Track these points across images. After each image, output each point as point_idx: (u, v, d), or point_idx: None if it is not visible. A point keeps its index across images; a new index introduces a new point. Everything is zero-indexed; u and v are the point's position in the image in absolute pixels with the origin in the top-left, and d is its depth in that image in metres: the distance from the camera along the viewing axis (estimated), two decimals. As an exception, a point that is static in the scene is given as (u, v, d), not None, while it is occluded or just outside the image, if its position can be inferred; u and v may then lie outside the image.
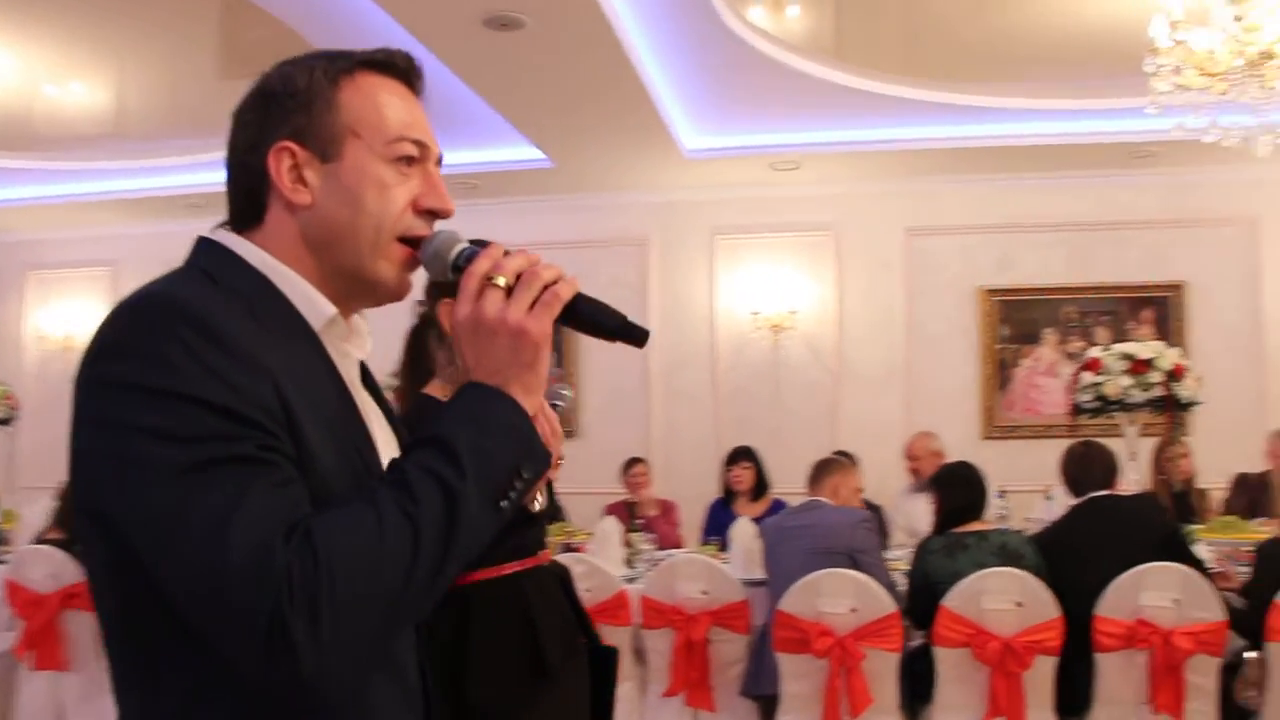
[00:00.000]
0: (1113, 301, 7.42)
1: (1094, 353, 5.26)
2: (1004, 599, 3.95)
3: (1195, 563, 4.03)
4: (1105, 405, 5.08)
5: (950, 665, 4.00)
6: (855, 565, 4.20)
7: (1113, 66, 5.95)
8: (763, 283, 7.60)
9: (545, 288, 1.14)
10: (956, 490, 4.29)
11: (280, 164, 1.18)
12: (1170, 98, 4.54)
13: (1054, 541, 4.16)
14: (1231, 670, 4.02)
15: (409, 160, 1.22)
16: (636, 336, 1.19)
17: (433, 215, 1.24)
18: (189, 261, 1.21)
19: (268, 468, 1.03)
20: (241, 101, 1.24)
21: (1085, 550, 4.00)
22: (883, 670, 4.04)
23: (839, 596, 4.06)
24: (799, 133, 6.95)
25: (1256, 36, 4.26)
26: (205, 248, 1.22)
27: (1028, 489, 6.10)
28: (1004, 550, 4.09)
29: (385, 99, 1.22)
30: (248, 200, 1.22)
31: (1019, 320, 7.49)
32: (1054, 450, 6.48)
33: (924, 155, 7.13)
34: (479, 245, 1.19)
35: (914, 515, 6.15)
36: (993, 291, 7.49)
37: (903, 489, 6.44)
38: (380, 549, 1.01)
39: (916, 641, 4.26)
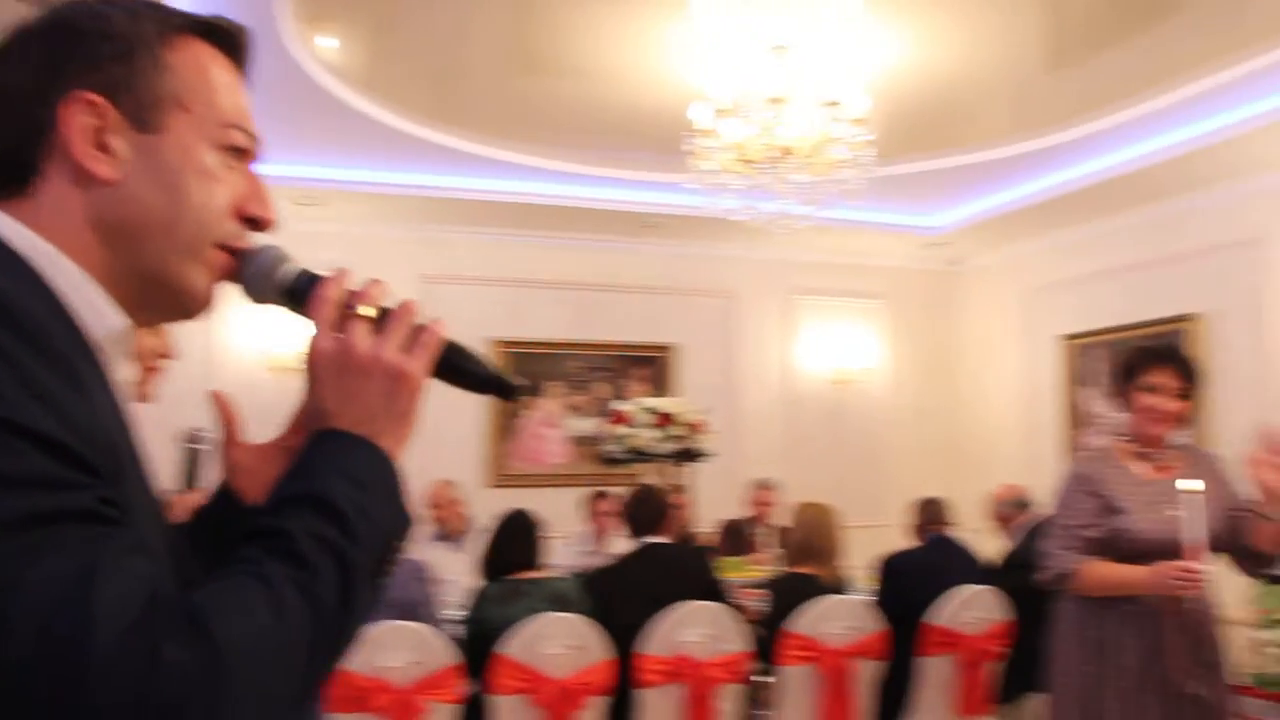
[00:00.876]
0: (611, 359, 7.95)
1: (622, 406, 5.59)
2: (559, 643, 4.04)
3: (729, 603, 4.38)
4: (633, 456, 5.41)
5: (506, 713, 4.00)
6: (410, 617, 4.09)
7: (633, 141, 6.44)
8: (272, 325, 7.22)
9: (419, 326, 1.00)
10: (514, 538, 4.33)
11: (77, 120, 0.91)
12: (707, 178, 4.98)
13: (610, 583, 4.33)
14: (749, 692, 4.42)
15: (239, 153, 1.01)
16: (509, 388, 1.08)
17: (254, 225, 1.03)
18: None
19: (113, 528, 0.78)
20: (15, 31, 0.94)
21: (641, 592, 4.20)
22: (442, 724, 3.95)
23: (399, 650, 3.92)
24: (324, 168, 6.74)
25: (782, 133, 4.80)
26: None
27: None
28: (558, 596, 4.18)
29: (219, 75, 1.00)
30: (6, 159, 0.92)
31: (527, 372, 7.77)
32: (554, 498, 6.84)
33: (445, 204, 7.20)
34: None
35: (435, 564, 6.12)
36: (504, 343, 7.71)
37: (421, 537, 6.38)
38: (283, 637, 0.81)
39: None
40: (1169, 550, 2.99)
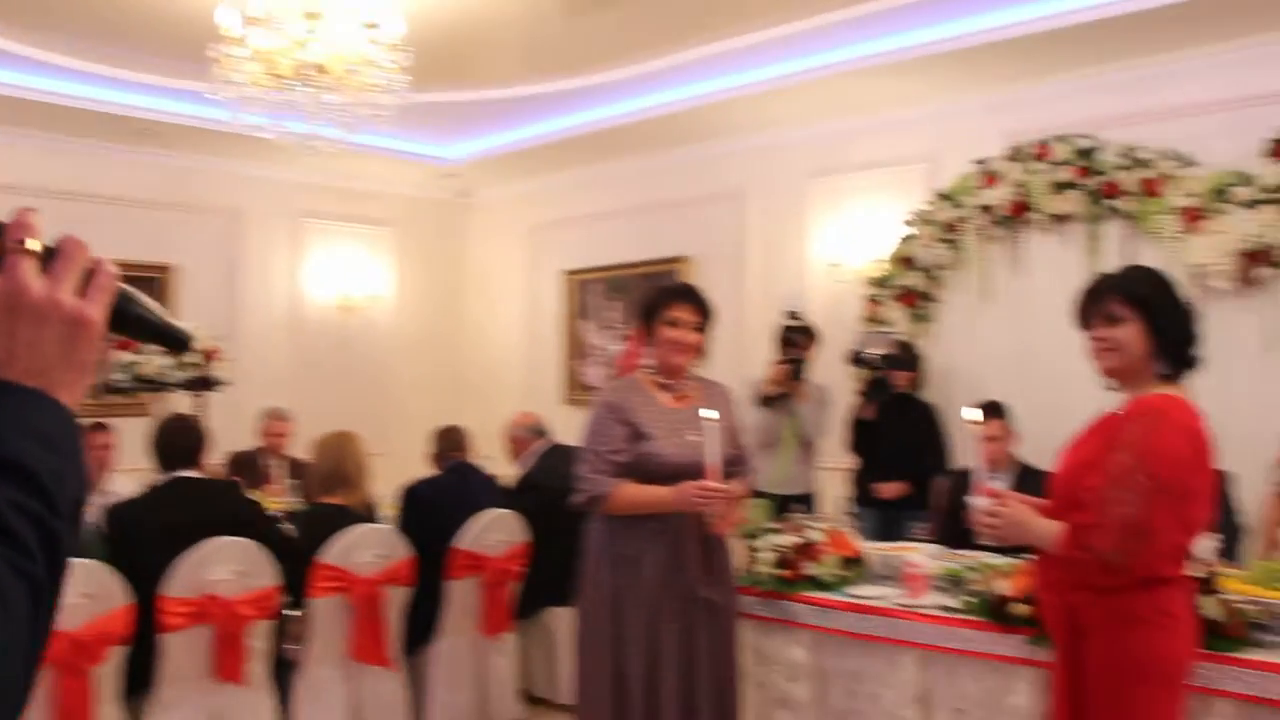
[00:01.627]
0: (102, 277, 7.24)
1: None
2: (70, 593, 3.70)
3: (269, 538, 4.18)
4: (140, 385, 5.02)
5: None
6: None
7: (140, 40, 5.87)
8: None
9: (91, 266, 0.89)
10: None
11: None
12: (231, 90, 4.68)
13: (133, 522, 4.00)
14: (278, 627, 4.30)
15: None
16: (181, 340, 1.01)
17: None
18: None
19: None
20: None
21: (170, 531, 3.92)
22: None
23: None
24: None
25: (316, 49, 4.62)
26: None
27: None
28: (68, 539, 3.81)
29: None
30: None
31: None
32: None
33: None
34: None
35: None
36: None
37: None
38: (9, 629, 0.74)
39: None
40: (690, 472, 3.33)
